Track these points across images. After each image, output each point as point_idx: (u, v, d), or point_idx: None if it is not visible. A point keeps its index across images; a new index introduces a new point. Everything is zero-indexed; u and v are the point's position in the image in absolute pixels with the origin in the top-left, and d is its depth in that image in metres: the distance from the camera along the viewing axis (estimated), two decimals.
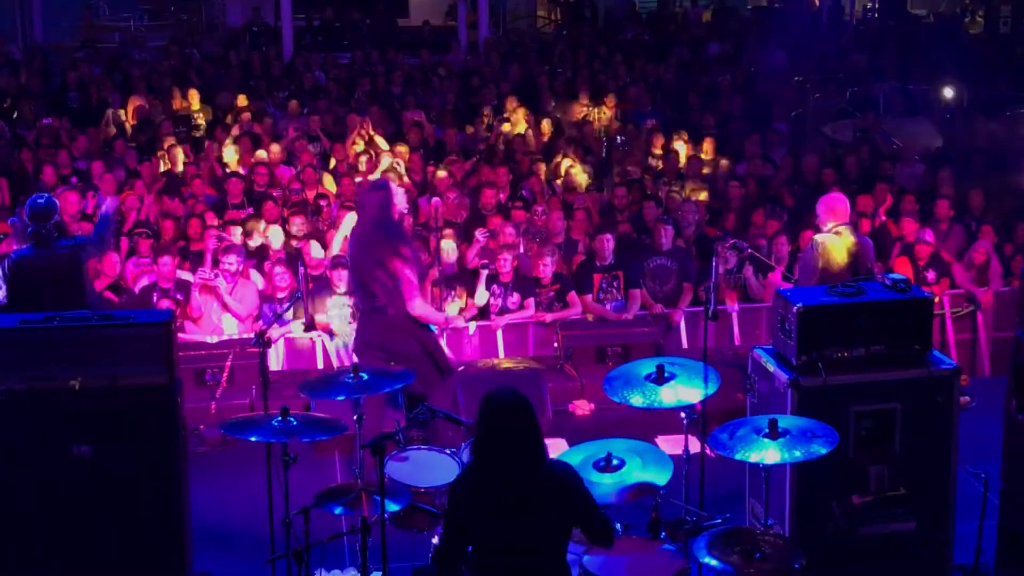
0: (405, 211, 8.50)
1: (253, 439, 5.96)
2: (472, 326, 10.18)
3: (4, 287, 7.81)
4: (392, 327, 7.94)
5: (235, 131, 13.65)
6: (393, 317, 7.92)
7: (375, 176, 12.07)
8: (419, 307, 8.02)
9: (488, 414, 4.96)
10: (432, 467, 6.22)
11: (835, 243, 8.12)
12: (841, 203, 8.41)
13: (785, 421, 5.56)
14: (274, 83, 15.87)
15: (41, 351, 5.79)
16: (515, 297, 10.40)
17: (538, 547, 4.93)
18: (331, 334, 10.09)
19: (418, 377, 7.62)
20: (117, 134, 13.99)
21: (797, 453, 5.41)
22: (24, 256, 7.86)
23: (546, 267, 10.52)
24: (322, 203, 11.74)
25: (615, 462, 5.93)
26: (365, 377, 6.21)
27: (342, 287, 9.93)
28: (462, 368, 9.16)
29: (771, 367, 6.05)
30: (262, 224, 11.14)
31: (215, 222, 11.22)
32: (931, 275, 10.89)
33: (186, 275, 10.21)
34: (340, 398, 6.36)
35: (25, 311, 7.51)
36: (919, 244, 10.91)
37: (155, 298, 9.97)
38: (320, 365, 9.99)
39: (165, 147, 13.32)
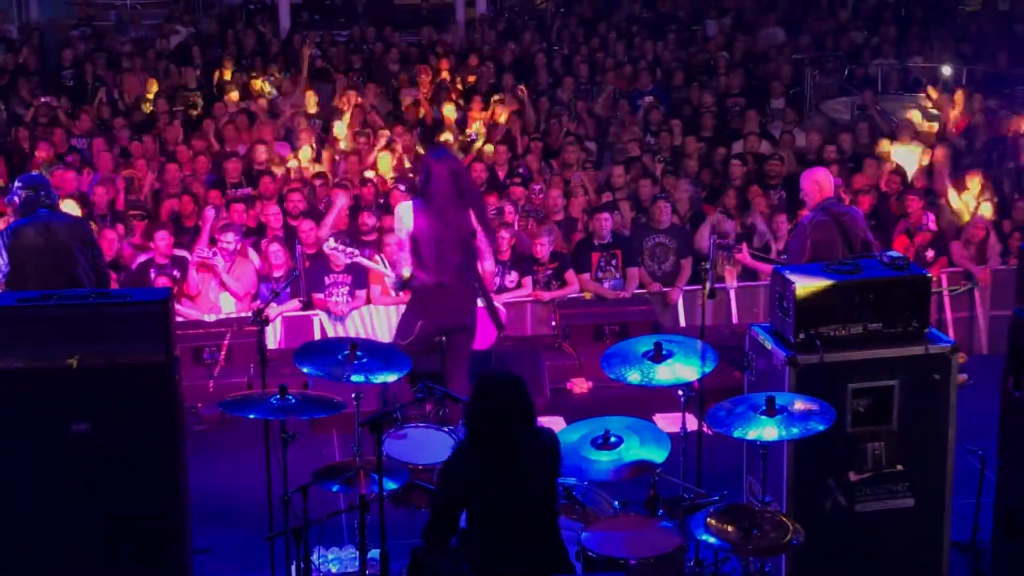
0: None
1: (251, 417, 5.98)
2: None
3: (5, 255, 7.81)
4: (459, 295, 7.79)
5: (231, 109, 13.59)
6: (460, 285, 7.76)
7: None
8: (491, 264, 8.04)
9: (483, 395, 5.00)
10: (430, 445, 6.23)
11: (822, 222, 8.10)
12: (826, 177, 8.40)
13: (782, 399, 5.58)
14: (271, 61, 15.80)
15: (38, 329, 5.78)
16: (513, 275, 10.40)
17: (532, 522, 4.97)
18: (329, 312, 10.09)
19: (480, 335, 7.66)
20: (112, 113, 13.94)
21: (795, 430, 5.43)
22: (22, 224, 7.87)
23: (544, 246, 10.52)
24: (318, 182, 11.72)
25: (613, 439, 5.95)
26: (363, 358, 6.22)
27: (341, 264, 9.93)
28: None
29: (769, 345, 6.06)
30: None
31: (218, 200, 11.21)
32: (930, 254, 10.90)
33: (182, 252, 10.20)
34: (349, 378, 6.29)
35: (28, 279, 7.57)
36: (920, 232, 10.90)
37: (152, 275, 9.97)
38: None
39: (161, 125, 13.28)
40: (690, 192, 11.67)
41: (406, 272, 7.77)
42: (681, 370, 6.04)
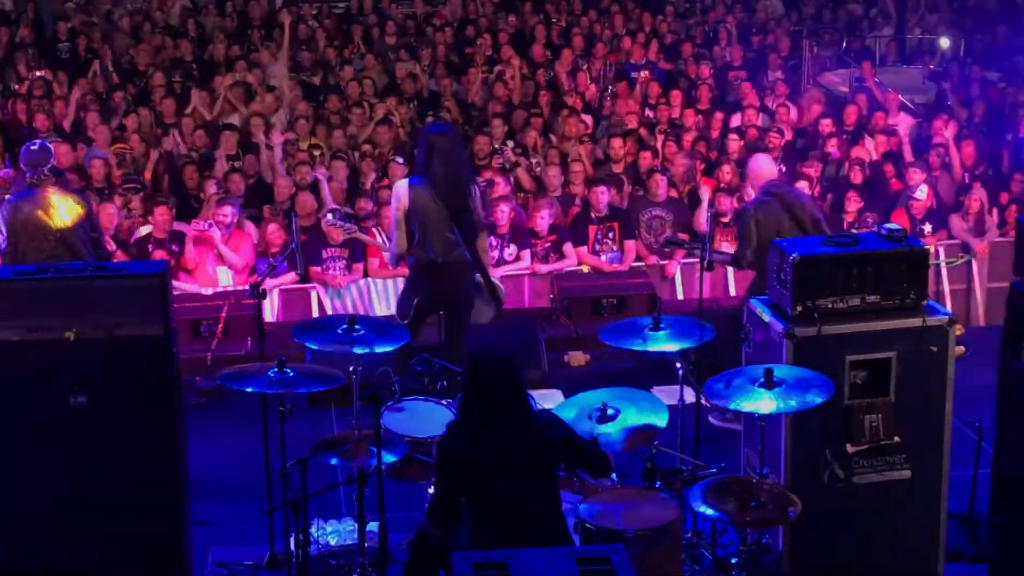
0: None
1: (249, 390, 5.98)
2: None
3: (4, 229, 7.80)
4: (459, 271, 7.77)
5: (227, 80, 13.53)
6: (459, 261, 7.74)
7: None
8: (485, 240, 8.06)
9: (474, 372, 5.04)
10: (429, 417, 6.23)
11: (766, 203, 8.12)
12: (767, 162, 8.59)
13: (781, 371, 5.58)
14: (268, 32, 15.72)
15: (36, 302, 5.75)
16: (511, 249, 10.40)
17: (529, 496, 4.99)
18: (327, 285, 10.09)
19: (477, 311, 7.68)
20: (108, 85, 13.89)
21: (792, 403, 5.43)
22: (21, 197, 7.85)
23: (543, 219, 10.51)
24: (316, 153, 11.68)
25: (611, 412, 5.97)
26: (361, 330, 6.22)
27: (339, 238, 9.92)
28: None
29: (767, 317, 6.05)
30: None
31: (218, 174, 11.20)
32: (928, 226, 10.90)
33: (181, 226, 10.19)
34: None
35: (27, 252, 7.56)
36: (913, 200, 10.92)
37: (150, 249, 9.96)
38: (316, 316, 9.98)
39: (156, 98, 13.24)
40: (687, 165, 11.64)
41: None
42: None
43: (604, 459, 5.36)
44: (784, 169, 11.72)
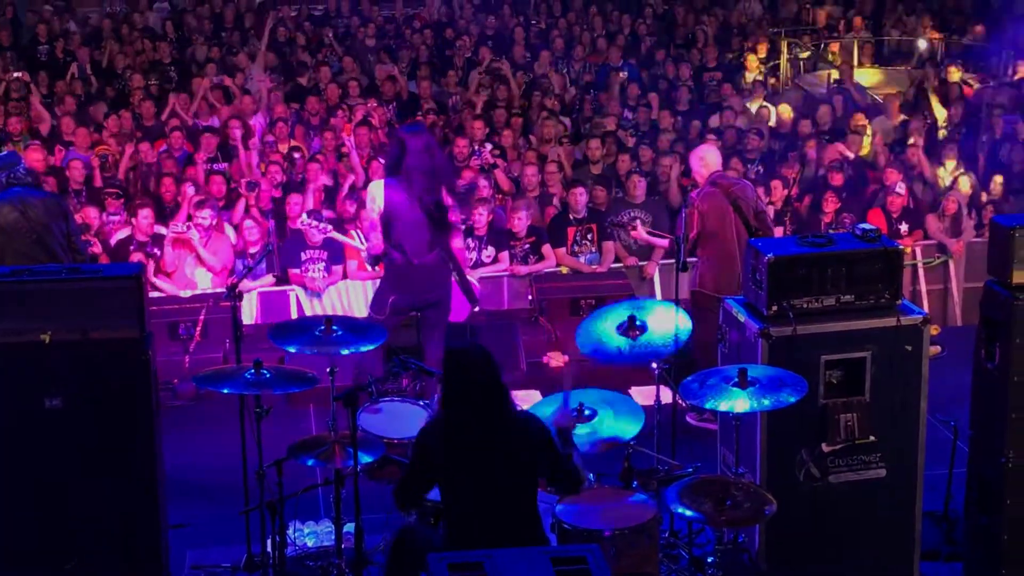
0: None
1: (225, 391, 5.98)
2: None
3: None
4: (432, 271, 7.77)
5: (205, 83, 13.50)
6: (433, 261, 7.74)
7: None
8: (459, 241, 8.10)
9: (452, 369, 5.04)
10: (405, 418, 6.24)
11: (710, 194, 8.22)
12: (712, 153, 8.60)
13: (755, 371, 5.60)
14: (246, 35, 15.71)
15: (10, 305, 5.74)
16: (489, 250, 10.40)
17: (506, 495, 4.99)
18: (305, 287, 10.07)
19: (454, 309, 7.81)
20: (86, 88, 13.85)
21: (766, 402, 5.45)
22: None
23: (521, 220, 10.52)
24: (296, 155, 11.68)
25: (587, 412, 5.97)
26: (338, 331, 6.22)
27: (317, 239, 9.91)
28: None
29: (742, 317, 6.07)
30: None
31: (197, 177, 11.17)
32: (904, 227, 10.95)
33: (162, 230, 10.18)
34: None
35: (4, 255, 7.53)
36: (891, 195, 10.96)
37: (131, 251, 9.94)
38: (294, 318, 9.96)
39: (135, 101, 13.20)
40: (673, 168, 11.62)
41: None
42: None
43: (577, 476, 5.32)
44: (762, 170, 11.78)
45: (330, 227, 9.15)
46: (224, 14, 16.18)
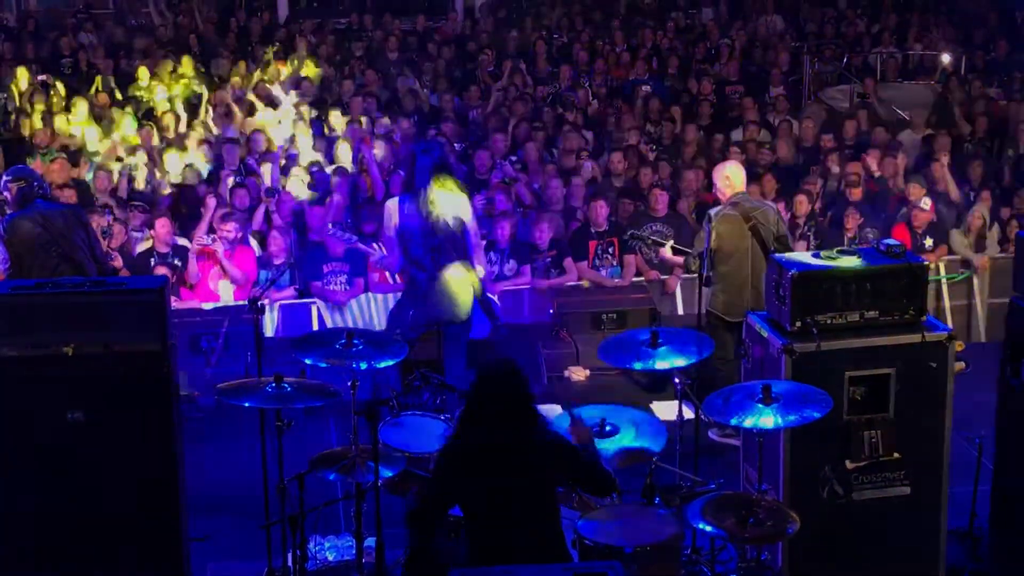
0: None
1: (247, 405, 5.98)
2: None
3: (3, 249, 7.82)
4: (451, 287, 7.80)
5: (229, 97, 13.56)
6: (451, 277, 7.78)
7: None
8: (482, 257, 8.08)
9: (483, 384, 4.99)
10: (426, 433, 6.22)
11: (729, 216, 8.09)
12: (737, 171, 8.41)
13: (779, 386, 5.57)
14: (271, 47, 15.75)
15: (34, 318, 5.75)
16: (511, 264, 10.39)
17: (528, 511, 4.96)
18: (326, 300, 10.09)
19: (475, 325, 7.81)
20: (110, 100, 13.91)
21: (791, 418, 5.42)
22: (17, 217, 7.88)
23: (543, 233, 10.51)
24: (314, 169, 11.70)
25: (608, 428, 5.95)
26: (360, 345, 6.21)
27: (340, 250, 9.93)
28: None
29: (765, 333, 6.05)
30: None
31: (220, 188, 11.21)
32: (929, 241, 10.89)
33: (184, 241, 10.21)
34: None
35: (31, 270, 7.56)
36: (916, 210, 10.90)
37: (152, 263, 9.97)
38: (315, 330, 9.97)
39: (159, 113, 13.26)
40: (696, 182, 11.60)
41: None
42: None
43: (608, 478, 5.30)
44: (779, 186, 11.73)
45: (355, 237, 9.17)
46: (250, 27, 16.26)
